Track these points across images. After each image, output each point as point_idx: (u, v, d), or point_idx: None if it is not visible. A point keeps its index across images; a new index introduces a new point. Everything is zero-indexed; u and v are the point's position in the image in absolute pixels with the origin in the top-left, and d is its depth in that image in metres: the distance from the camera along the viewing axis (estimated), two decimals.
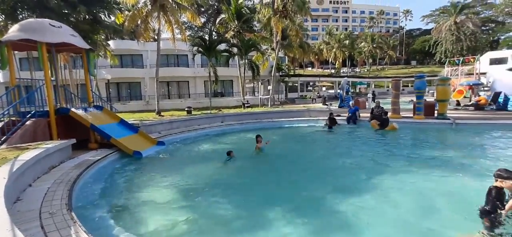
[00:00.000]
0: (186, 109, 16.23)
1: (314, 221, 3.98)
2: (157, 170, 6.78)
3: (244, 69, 24.84)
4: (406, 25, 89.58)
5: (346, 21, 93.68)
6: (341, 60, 59.69)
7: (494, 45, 65.56)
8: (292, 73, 42.34)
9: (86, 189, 5.19)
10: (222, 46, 23.21)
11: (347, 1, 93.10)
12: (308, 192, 5.15)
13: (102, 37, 18.88)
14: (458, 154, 7.40)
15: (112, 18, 17.45)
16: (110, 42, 23.04)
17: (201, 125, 13.41)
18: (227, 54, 23.70)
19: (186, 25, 37.32)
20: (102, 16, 15.79)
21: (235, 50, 23.96)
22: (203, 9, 39.36)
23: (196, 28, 39.59)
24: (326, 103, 21.29)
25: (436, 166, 6.31)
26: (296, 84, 39.11)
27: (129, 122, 10.12)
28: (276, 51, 23.51)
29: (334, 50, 57.56)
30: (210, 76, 19.97)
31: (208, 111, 17.08)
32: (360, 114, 13.38)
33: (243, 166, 7.00)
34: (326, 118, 12.93)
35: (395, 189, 5.11)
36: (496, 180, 3.32)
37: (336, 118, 12.91)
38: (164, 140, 9.72)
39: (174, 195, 5.13)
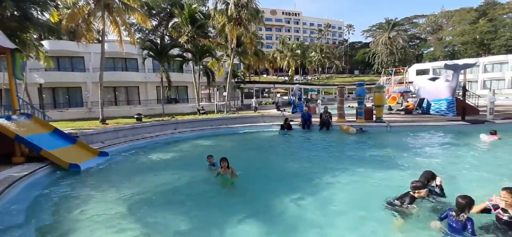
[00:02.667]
0: (136, 116, 15.18)
1: (273, 226, 4.06)
2: (98, 185, 6.15)
3: (199, 75, 24.35)
4: (349, 38, 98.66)
5: (297, 31, 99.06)
6: (294, 68, 62.75)
7: (419, 58, 76.28)
8: (248, 80, 43.00)
9: (8, 210, 4.45)
10: (175, 51, 22.43)
11: (298, 13, 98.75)
12: (266, 196, 5.22)
13: (34, 36, 16.53)
14: (393, 152, 8.39)
15: (47, 15, 15.43)
16: (44, 42, 20.30)
17: (151, 133, 12.65)
18: (181, 59, 22.98)
19: (135, 27, 35.19)
20: (34, 13, 13.85)
21: (189, 55, 23.36)
22: (154, 12, 37.61)
23: (146, 31, 37.57)
24: (280, 109, 22.08)
25: (376, 162, 7.06)
26: (252, 91, 39.82)
27: (66, 132, 9.04)
28: (231, 57, 23.63)
29: (287, 58, 60.29)
30: (162, 81, 19.06)
31: (161, 118, 16.24)
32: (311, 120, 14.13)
33: (197, 175, 6.64)
34: (281, 123, 13.41)
35: (345, 185, 5.55)
36: (414, 192, 3.85)
37: (290, 123, 13.47)
38: (108, 150, 8.91)
39: (118, 212, 4.65)
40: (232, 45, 22.79)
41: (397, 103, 22.66)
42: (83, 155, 7.87)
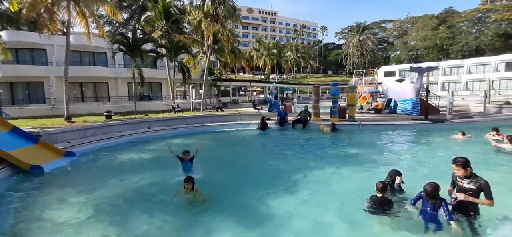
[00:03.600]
0: (105, 113, 14.36)
1: (250, 225, 4.07)
2: (63, 187, 5.76)
3: (174, 71, 23.64)
4: (323, 39, 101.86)
5: (274, 31, 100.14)
6: (270, 67, 63.39)
7: (387, 61, 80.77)
8: (224, 78, 42.60)
9: None
10: (149, 46, 21.56)
11: (274, 13, 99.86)
12: (243, 195, 5.23)
13: None
14: (365, 150, 8.83)
15: (6, 4, 13.98)
16: (2, 33, 18.36)
17: (123, 132, 12.05)
18: (155, 54, 22.15)
19: (104, 20, 33.21)
20: None
21: (163, 51, 22.58)
22: (125, 4, 35.77)
23: (117, 24, 35.65)
24: (257, 107, 22.18)
25: (349, 160, 7.38)
26: (228, 89, 39.54)
27: (26, 131, 8.31)
28: (208, 55, 23.26)
29: (263, 57, 60.72)
30: (134, 77, 18.23)
31: (133, 116, 15.54)
32: (288, 118, 14.39)
33: (171, 175, 6.26)
34: (258, 121, 13.48)
35: (321, 183, 5.73)
36: (380, 192, 4.09)
37: (267, 121, 13.60)
38: (75, 150, 8.35)
39: (84, 217, 4.35)
40: (209, 42, 22.43)
41: (367, 102, 23.85)
42: (47, 156, 7.30)
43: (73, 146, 9.07)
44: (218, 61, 37.32)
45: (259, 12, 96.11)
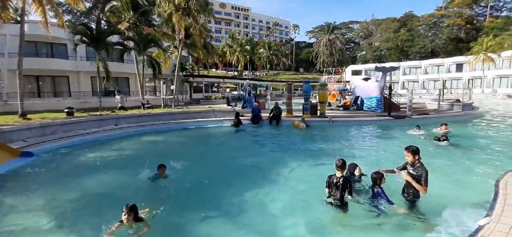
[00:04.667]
0: (66, 110, 13.30)
1: (224, 223, 4.11)
2: (19, 191, 5.30)
3: (143, 66, 22.58)
4: (295, 37, 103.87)
5: (247, 27, 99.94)
6: (243, 64, 63.28)
7: (354, 60, 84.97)
8: (197, 74, 41.67)
9: None
10: (115, 38, 20.32)
11: (247, 9, 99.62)
12: (217, 193, 5.23)
13: None
14: (335, 145, 9.28)
15: None
16: None
17: (87, 130, 11.32)
18: (122, 47, 20.95)
19: (64, 8, 30.59)
20: None
21: (131, 44, 21.45)
22: None
23: (78, 13, 33.05)
24: (231, 104, 22.09)
25: (321, 153, 7.72)
26: (201, 85, 38.78)
27: None
28: (179, 49, 22.55)
29: (236, 53, 60.41)
30: (98, 71, 17.10)
31: (98, 113, 14.61)
32: (261, 114, 14.52)
33: (140, 177, 5.86)
34: (232, 118, 13.46)
35: (295, 178, 5.92)
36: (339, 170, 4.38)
37: (241, 118, 13.63)
38: (33, 150, 7.67)
39: (42, 223, 4.01)
40: (180, 36, 21.75)
41: (337, 100, 24.95)
42: (0, 156, 6.62)
43: (31, 145, 8.33)
44: (190, 56, 36.32)
45: (232, 7, 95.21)
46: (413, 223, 3.85)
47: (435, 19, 72.04)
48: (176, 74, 22.65)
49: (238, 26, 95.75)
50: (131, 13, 21.34)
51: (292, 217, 4.21)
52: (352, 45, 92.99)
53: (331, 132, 11.96)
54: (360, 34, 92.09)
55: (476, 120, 14.89)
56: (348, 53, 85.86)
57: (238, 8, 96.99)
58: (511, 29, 42.83)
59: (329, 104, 20.83)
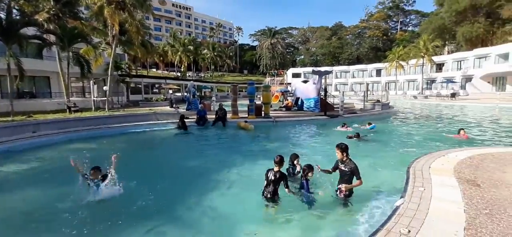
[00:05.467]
0: None
1: (174, 227, 4.00)
2: None
3: (68, 64, 19.76)
4: (239, 39, 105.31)
5: (189, 26, 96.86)
6: (186, 64, 61.10)
7: (294, 64, 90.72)
8: (135, 73, 38.51)
9: None
10: (31, 31, 17.29)
11: (189, 8, 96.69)
12: (161, 201, 5.03)
13: None
14: (279, 143, 9.83)
15: None
16: None
17: None
18: (40, 42, 17.96)
19: None
20: None
21: (52, 38, 18.58)
22: None
23: None
24: (174, 106, 21.14)
25: (266, 152, 8.09)
26: (140, 86, 35.97)
27: None
28: (113, 47, 20.56)
29: (179, 53, 57.94)
30: (9, 69, 14.33)
31: (10, 118, 12.25)
32: (207, 116, 14.31)
33: (66, 190, 5.06)
34: (176, 121, 12.93)
35: (240, 177, 6.08)
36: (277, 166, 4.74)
37: (186, 120, 13.20)
38: None
39: None
40: (114, 32, 19.84)
41: (279, 101, 26.30)
42: None
43: None
44: (126, 55, 33.31)
45: (173, 5, 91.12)
46: (338, 211, 4.33)
47: (359, 30, 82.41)
48: (109, 73, 20.54)
49: (180, 25, 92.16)
50: (51, 2, 18.49)
51: (238, 216, 4.34)
52: (292, 49, 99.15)
53: (275, 132, 12.61)
54: (299, 39, 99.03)
55: (392, 117, 17.67)
56: (288, 56, 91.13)
57: (180, 6, 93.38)
58: (415, 42, 51.95)
59: (270, 106, 21.84)
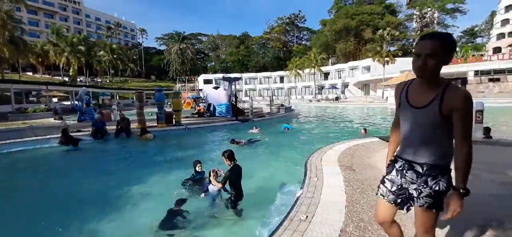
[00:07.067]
0: None
1: None
2: None
3: None
4: (143, 42, 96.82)
5: (79, 23, 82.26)
6: (77, 67, 51.50)
7: (205, 70, 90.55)
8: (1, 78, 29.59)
9: None
10: None
11: (78, 2, 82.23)
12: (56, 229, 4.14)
13: None
14: (190, 151, 9.60)
15: None
16: None
17: None
18: None
19: None
20: None
21: None
22: None
23: None
24: (62, 117, 17.43)
25: (177, 161, 7.77)
26: (8, 93, 27.84)
27: None
28: None
29: (66, 54, 48.26)
30: None
31: None
32: (107, 128, 12.45)
33: None
34: (59, 135, 10.55)
35: (147, 193, 5.63)
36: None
37: (78, 134, 11.13)
38: None
39: None
40: None
41: (192, 107, 25.70)
42: None
43: None
44: None
45: None
46: (246, 210, 4.57)
47: (263, 41, 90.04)
48: None
49: (66, 21, 77.21)
50: None
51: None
52: (203, 55, 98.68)
53: (188, 140, 12.27)
54: (209, 46, 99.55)
55: (294, 119, 20.13)
56: (199, 62, 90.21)
57: None
58: (308, 54, 61.15)
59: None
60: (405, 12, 69.32)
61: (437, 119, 1.61)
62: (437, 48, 1.52)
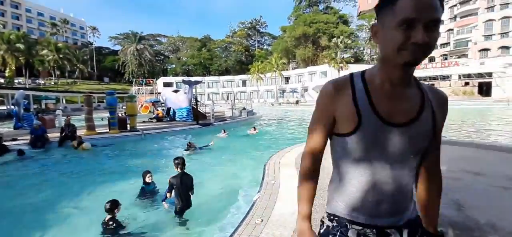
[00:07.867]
0: None
1: None
2: None
3: None
4: (95, 41, 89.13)
5: (18, 18, 72.76)
6: (14, 67, 45.31)
7: (165, 72, 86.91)
8: None
9: None
10: None
11: None
12: None
13: None
14: (146, 159, 9.10)
15: None
16: None
17: None
18: None
19: None
20: None
21: None
22: None
23: None
24: None
25: (130, 169, 7.30)
26: None
27: None
28: None
29: (1, 52, 42.22)
30: None
31: None
32: (48, 136, 11.14)
33: None
34: None
35: (93, 209, 5.18)
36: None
37: (11, 143, 9.79)
38: None
39: None
40: None
41: (150, 112, 24.41)
42: None
43: None
44: None
45: None
46: (202, 218, 4.56)
47: (226, 44, 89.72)
48: None
49: (3, 16, 67.87)
50: None
51: None
52: (162, 57, 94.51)
53: (144, 146, 11.62)
54: (169, 48, 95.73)
55: (256, 122, 20.36)
56: (158, 65, 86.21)
57: None
58: (269, 58, 62.62)
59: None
60: (356, 22, 75.28)
61: (426, 142, 0.94)
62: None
